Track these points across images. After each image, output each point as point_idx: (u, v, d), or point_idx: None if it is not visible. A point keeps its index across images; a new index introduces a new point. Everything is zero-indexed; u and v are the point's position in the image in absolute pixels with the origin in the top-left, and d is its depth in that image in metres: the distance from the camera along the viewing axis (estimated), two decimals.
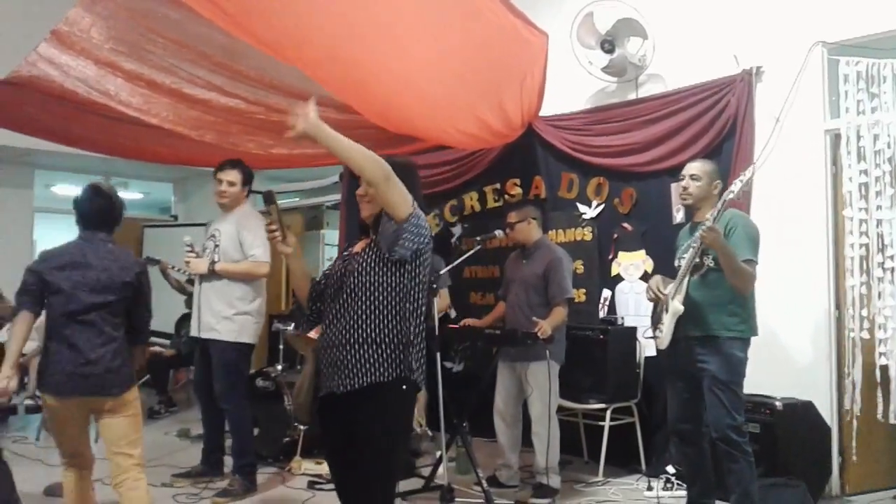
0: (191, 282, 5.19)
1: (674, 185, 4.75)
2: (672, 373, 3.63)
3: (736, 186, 3.27)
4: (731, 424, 3.34)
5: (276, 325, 5.87)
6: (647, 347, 4.78)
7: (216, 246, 4.32)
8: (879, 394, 3.92)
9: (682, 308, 3.41)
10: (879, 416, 3.92)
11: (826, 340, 4.27)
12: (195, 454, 4.62)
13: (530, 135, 5.47)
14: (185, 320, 6.23)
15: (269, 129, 4.80)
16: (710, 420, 3.41)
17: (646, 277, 4.80)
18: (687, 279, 3.44)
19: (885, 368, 3.90)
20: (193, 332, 4.34)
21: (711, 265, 3.40)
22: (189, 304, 5.48)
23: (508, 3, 4.43)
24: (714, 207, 3.35)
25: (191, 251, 4.36)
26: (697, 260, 3.41)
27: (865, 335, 3.97)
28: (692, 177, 3.54)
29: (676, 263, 3.60)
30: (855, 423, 3.99)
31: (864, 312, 3.97)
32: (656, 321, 3.60)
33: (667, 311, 3.50)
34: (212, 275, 4.25)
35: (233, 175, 4.38)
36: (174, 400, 6.81)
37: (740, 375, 3.40)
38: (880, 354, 3.92)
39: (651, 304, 3.71)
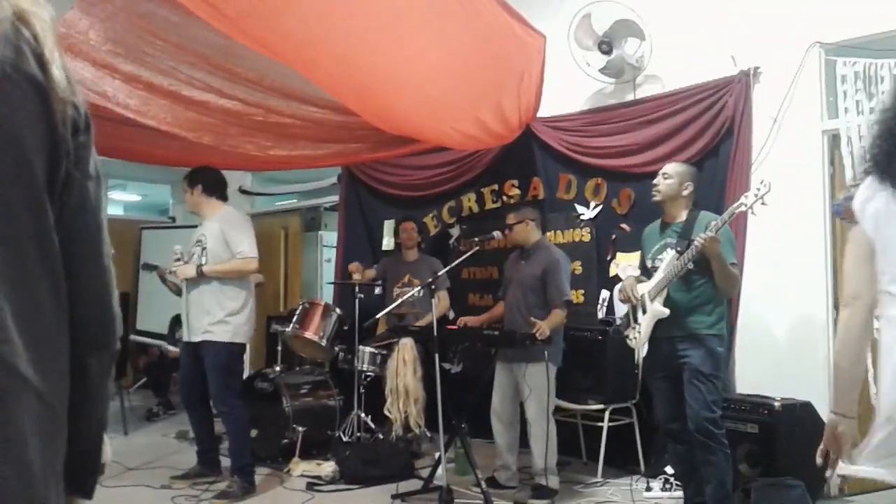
0: None
1: None
2: (654, 373, 3.72)
3: (749, 199, 3.30)
4: (709, 417, 3.42)
5: (274, 327, 5.86)
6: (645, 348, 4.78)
7: (203, 249, 4.34)
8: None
9: (667, 311, 3.49)
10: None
11: (824, 341, 4.27)
12: (194, 456, 4.61)
13: (528, 136, 5.46)
14: (177, 321, 6.21)
15: (268, 131, 4.80)
16: (688, 412, 3.47)
17: None
18: (669, 282, 3.51)
19: None
20: (185, 338, 4.38)
21: (691, 267, 3.47)
22: None
23: (505, 4, 4.43)
24: (719, 216, 3.44)
25: (178, 259, 4.42)
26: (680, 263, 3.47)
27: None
28: (664, 174, 3.68)
29: (650, 264, 3.68)
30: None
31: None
32: (629, 322, 3.68)
33: (644, 311, 3.55)
34: (200, 278, 4.27)
35: (185, 185, 4.52)
36: (172, 402, 6.80)
37: (720, 370, 3.53)
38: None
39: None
